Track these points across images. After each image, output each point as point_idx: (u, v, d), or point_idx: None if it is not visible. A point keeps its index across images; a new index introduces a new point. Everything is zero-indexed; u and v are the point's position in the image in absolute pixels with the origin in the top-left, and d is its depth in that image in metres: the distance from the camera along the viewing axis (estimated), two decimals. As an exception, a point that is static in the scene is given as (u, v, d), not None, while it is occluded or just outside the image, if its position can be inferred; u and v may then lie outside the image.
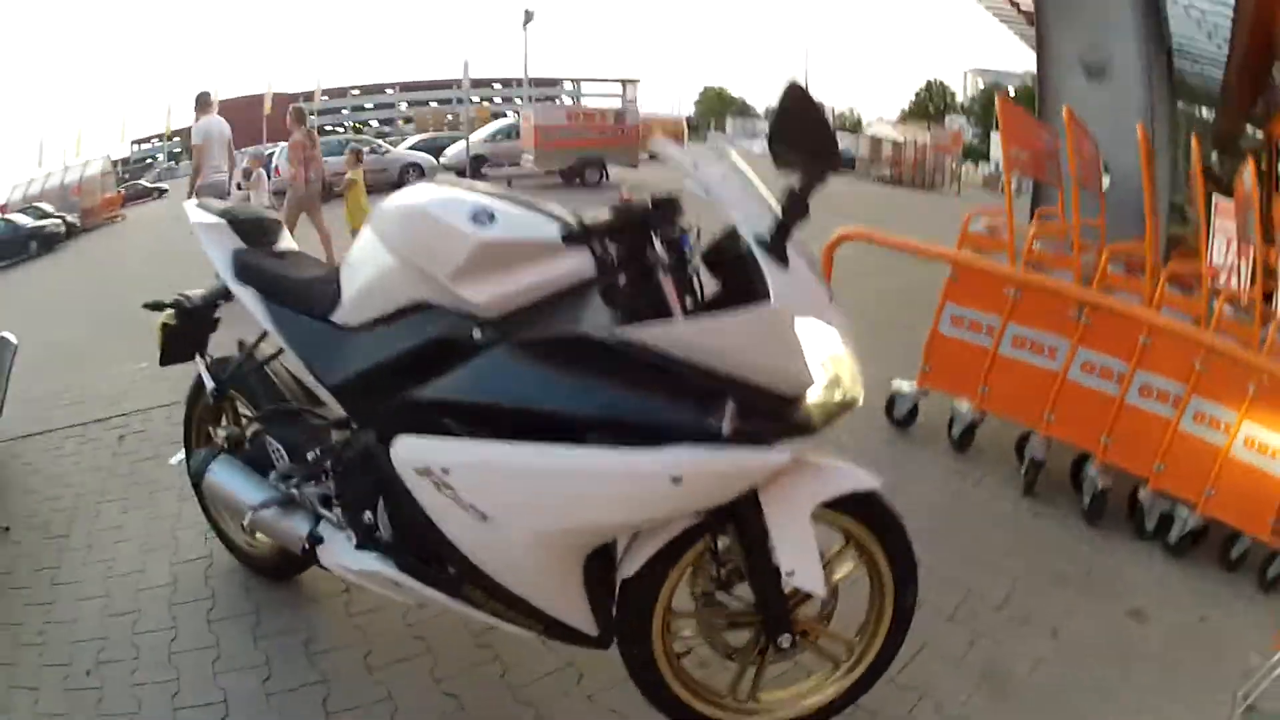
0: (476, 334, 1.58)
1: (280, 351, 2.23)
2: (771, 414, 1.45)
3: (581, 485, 1.49)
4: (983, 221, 3.80)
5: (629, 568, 1.62)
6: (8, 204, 19.94)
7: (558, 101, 37.45)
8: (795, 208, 1.42)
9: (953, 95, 50.31)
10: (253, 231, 2.26)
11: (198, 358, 2.37)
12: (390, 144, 22.20)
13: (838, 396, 1.52)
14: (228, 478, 2.12)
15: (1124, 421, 3.15)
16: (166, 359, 2.39)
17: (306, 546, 1.95)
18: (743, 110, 49.72)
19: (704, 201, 1.52)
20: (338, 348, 1.85)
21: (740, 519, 1.56)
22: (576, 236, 1.49)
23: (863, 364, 1.58)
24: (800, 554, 1.54)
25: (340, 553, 1.89)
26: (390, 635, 2.30)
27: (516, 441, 1.51)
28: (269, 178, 7.99)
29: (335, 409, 2.10)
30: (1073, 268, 3.42)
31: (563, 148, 16.61)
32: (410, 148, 21.18)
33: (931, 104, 49.19)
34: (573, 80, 45.41)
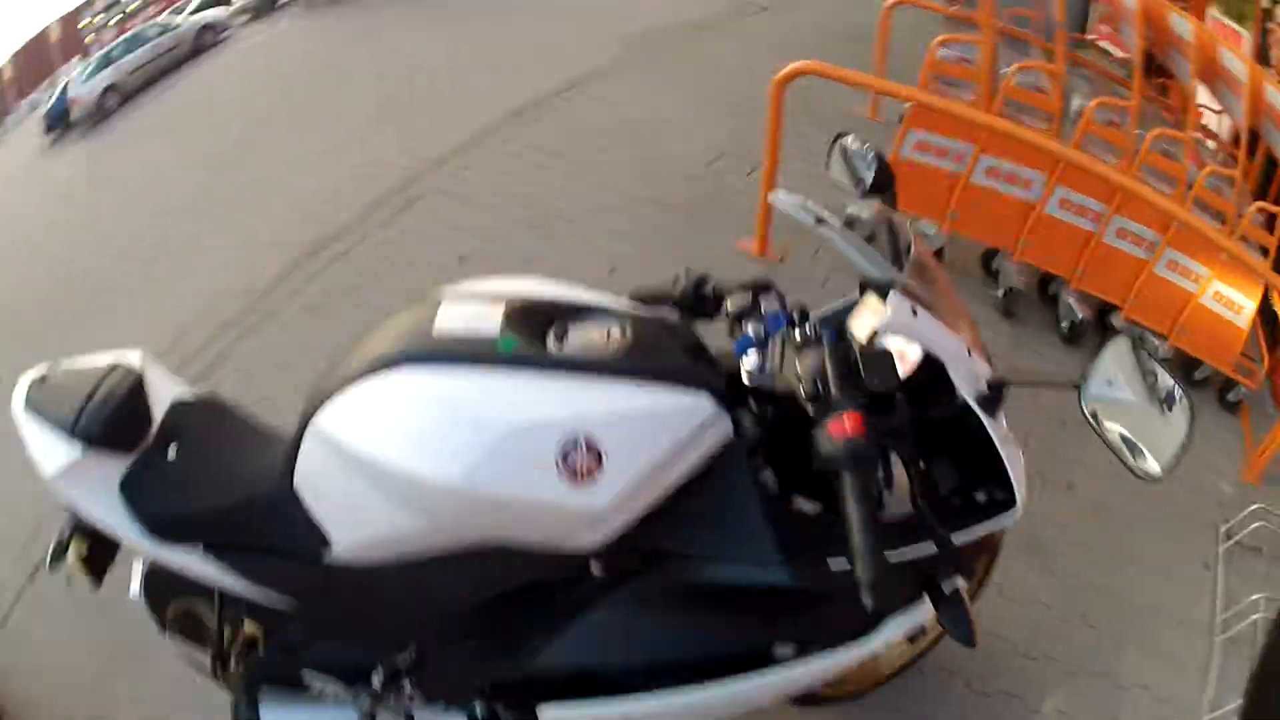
0: (596, 569, 1.25)
1: None
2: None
3: None
4: (954, 48, 3.63)
5: None
6: None
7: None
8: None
9: None
10: (124, 430, 1.35)
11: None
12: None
13: None
14: None
15: (1099, 256, 3.33)
16: (100, 578, 1.60)
17: None
18: None
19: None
20: (352, 593, 1.33)
21: None
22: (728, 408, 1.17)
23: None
24: None
25: None
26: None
27: (665, 692, 1.32)
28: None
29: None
30: (1051, 110, 3.42)
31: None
32: (198, 7, 17.34)
33: None
34: None
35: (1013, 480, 1.23)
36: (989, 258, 3.62)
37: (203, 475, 1.36)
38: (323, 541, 1.23)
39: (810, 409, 1.04)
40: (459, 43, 6.71)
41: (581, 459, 1.07)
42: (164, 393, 1.41)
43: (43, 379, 1.37)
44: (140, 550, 1.37)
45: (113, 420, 1.30)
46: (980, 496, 1.28)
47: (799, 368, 1.09)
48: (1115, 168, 3.31)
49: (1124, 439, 1.19)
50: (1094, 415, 1.20)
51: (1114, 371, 1.21)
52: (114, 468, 1.33)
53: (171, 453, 1.35)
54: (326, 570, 1.26)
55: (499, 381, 1.11)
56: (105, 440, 1.31)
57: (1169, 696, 2.47)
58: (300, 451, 1.21)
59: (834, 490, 0.99)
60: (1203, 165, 3.50)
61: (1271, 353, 3.57)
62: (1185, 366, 3.40)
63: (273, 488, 1.26)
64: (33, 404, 1.34)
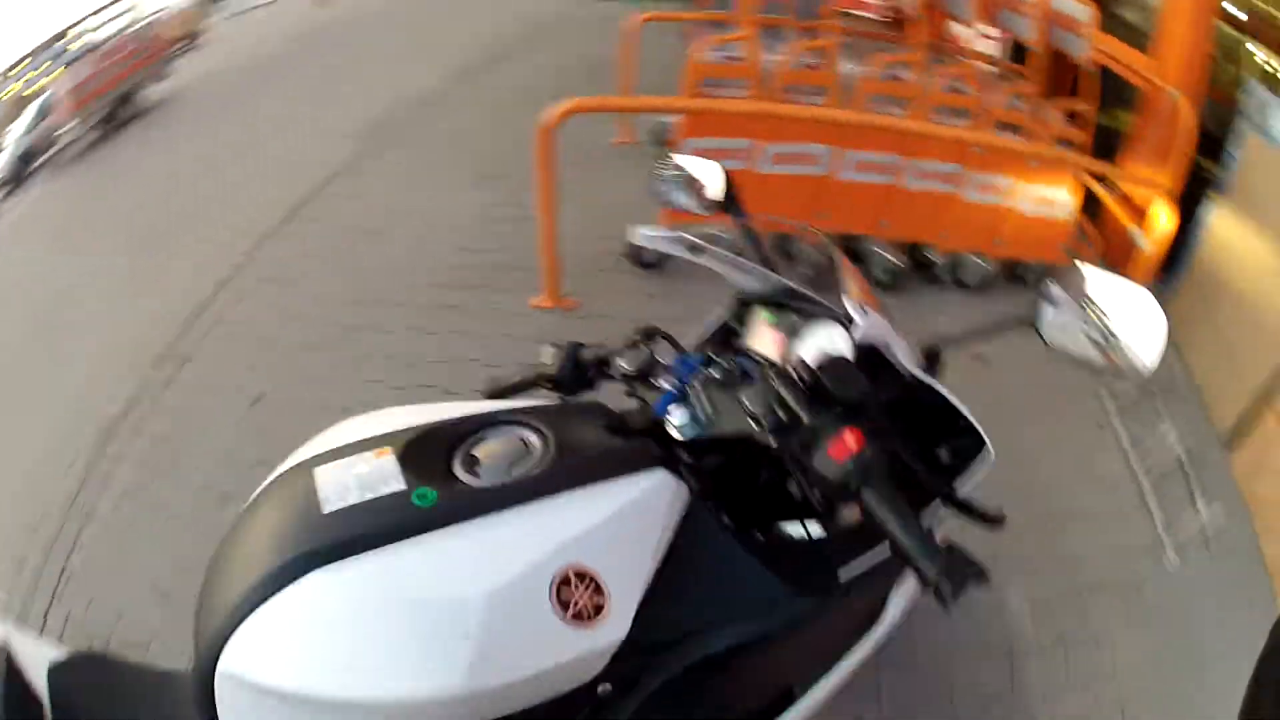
0: (604, 689, 1.02)
1: None
2: None
3: None
4: (717, 50, 3.59)
5: None
6: None
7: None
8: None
9: None
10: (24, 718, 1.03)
11: None
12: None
13: None
14: None
15: (903, 204, 3.45)
16: None
17: None
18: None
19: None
20: None
21: None
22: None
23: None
24: None
25: None
26: None
27: None
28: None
29: None
30: (827, 83, 3.46)
31: (100, 95, 14.06)
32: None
33: None
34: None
35: (977, 427, 1.23)
36: (782, 243, 3.62)
37: None
38: None
39: (774, 441, 0.98)
40: (196, 172, 6.25)
41: (581, 595, 0.89)
42: (36, 660, 1.05)
43: None
44: None
45: (10, 712, 0.97)
46: (944, 454, 1.27)
47: (747, 405, 1.02)
48: (905, 117, 3.41)
49: (1094, 354, 1.19)
50: (1057, 343, 1.23)
51: (1063, 295, 1.21)
52: None
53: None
54: None
55: (441, 546, 0.88)
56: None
57: (1125, 544, 2.71)
58: (218, 706, 0.89)
59: (834, 510, 1.07)
60: (989, 89, 3.73)
61: (1095, 226, 3.95)
62: (1006, 270, 3.70)
63: None
64: None
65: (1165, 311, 1.21)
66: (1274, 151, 3.50)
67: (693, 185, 1.40)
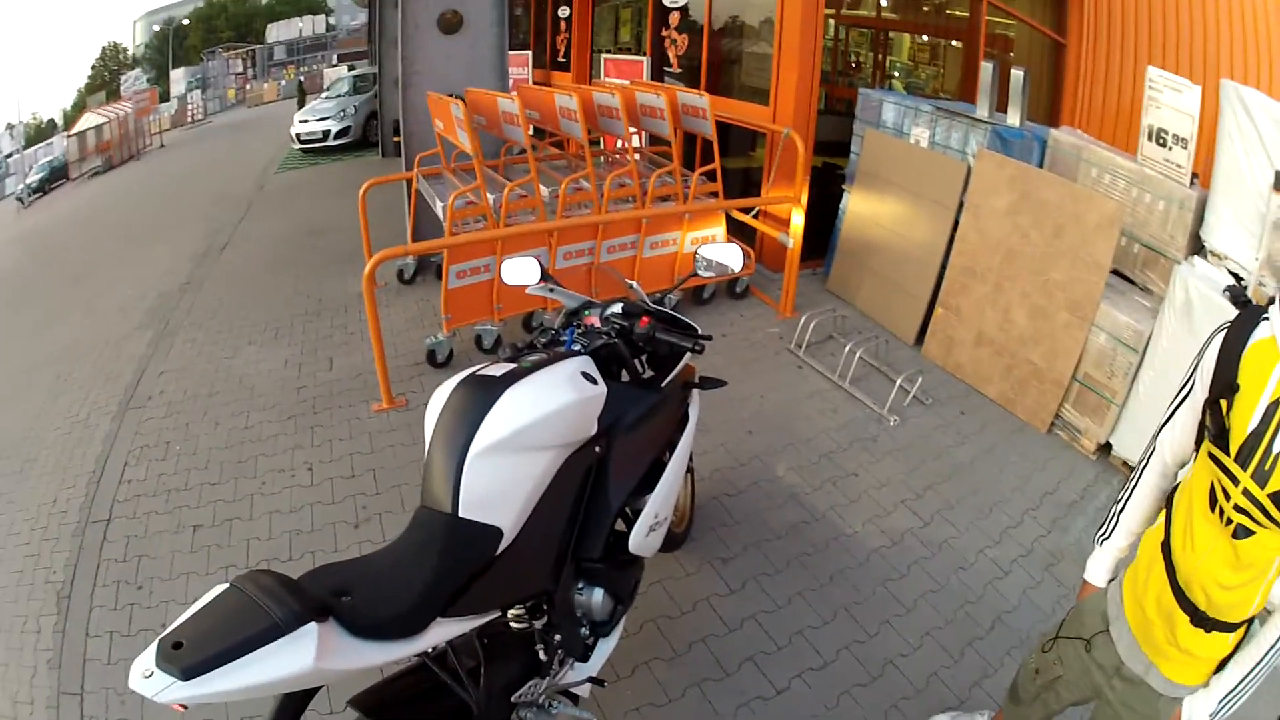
0: (599, 449, 2.07)
1: None
2: None
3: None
4: (460, 199, 4.82)
5: None
6: None
7: None
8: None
9: (124, 50, 48.50)
10: (314, 599, 1.36)
11: None
12: None
13: None
14: None
15: (601, 276, 4.83)
16: None
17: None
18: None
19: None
20: (523, 559, 1.81)
21: None
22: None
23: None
24: None
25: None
26: None
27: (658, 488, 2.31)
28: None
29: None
30: (534, 206, 4.90)
31: None
32: None
33: (107, 70, 45.95)
34: None
35: (690, 322, 2.43)
36: (528, 320, 5.01)
37: (391, 584, 1.54)
38: (495, 539, 1.67)
39: (619, 334, 2.23)
40: (18, 384, 5.88)
41: (590, 378, 2.00)
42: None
43: (177, 643, 1.21)
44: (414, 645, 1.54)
45: (298, 593, 1.33)
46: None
47: (601, 328, 2.26)
48: (590, 214, 4.84)
49: (719, 270, 2.67)
50: (707, 272, 2.70)
51: (703, 255, 2.69)
52: (335, 632, 1.37)
53: (348, 601, 1.45)
54: (500, 558, 1.69)
55: (548, 371, 1.93)
56: (315, 610, 1.32)
57: (849, 420, 3.93)
58: (463, 487, 1.64)
59: (650, 350, 2.34)
60: (644, 175, 5.20)
61: (755, 242, 5.59)
62: (694, 295, 5.25)
63: (443, 537, 1.62)
64: (204, 651, 1.20)
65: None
66: (884, 135, 4.95)
67: (523, 274, 2.53)
